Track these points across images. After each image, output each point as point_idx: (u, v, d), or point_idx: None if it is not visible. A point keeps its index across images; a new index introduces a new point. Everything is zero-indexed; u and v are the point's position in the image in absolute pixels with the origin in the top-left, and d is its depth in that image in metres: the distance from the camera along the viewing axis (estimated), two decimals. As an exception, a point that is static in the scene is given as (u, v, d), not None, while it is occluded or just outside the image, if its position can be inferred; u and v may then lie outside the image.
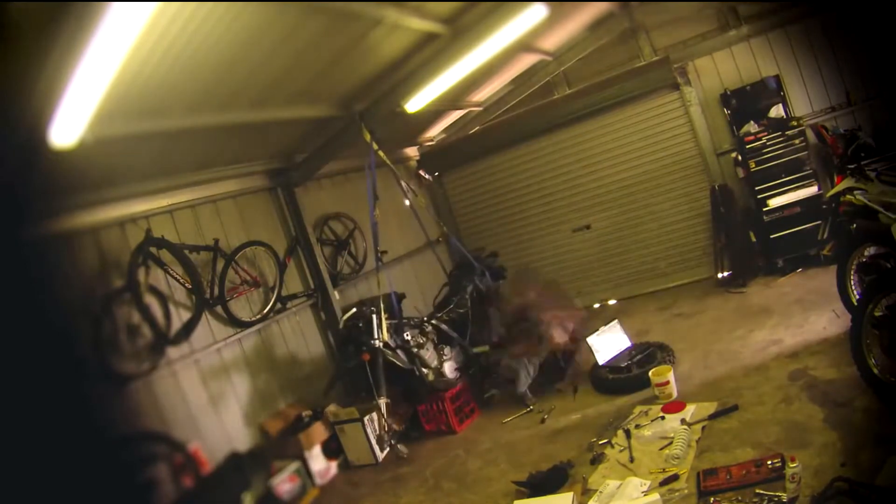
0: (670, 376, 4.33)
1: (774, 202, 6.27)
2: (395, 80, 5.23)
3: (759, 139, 6.32)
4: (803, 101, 6.60)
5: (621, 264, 7.63)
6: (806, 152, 6.19)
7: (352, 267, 6.80)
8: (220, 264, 5.13)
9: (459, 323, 5.85)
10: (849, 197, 4.00)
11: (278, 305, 5.68)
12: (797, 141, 6.19)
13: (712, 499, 3.00)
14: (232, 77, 3.94)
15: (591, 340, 5.14)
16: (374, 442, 5.04)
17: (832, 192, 4.53)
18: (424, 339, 5.42)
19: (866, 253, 4.21)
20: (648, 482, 3.35)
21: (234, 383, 5.15)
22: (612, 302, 7.65)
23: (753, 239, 6.56)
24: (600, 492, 3.44)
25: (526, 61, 7.30)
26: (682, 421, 3.85)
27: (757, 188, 6.38)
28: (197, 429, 4.68)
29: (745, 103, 6.62)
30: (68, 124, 3.02)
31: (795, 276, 6.10)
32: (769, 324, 5.01)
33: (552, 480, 3.70)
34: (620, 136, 7.23)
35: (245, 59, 3.78)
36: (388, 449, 4.90)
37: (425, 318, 5.67)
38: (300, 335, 5.95)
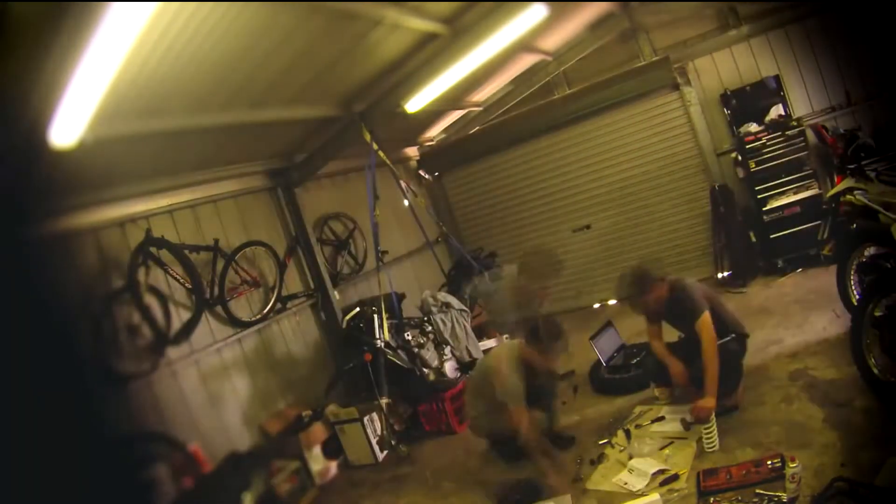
0: (670, 376, 4.33)
1: (774, 202, 6.27)
2: (395, 80, 5.23)
3: (759, 139, 6.32)
4: (803, 101, 6.60)
5: (621, 264, 7.60)
6: (806, 152, 6.19)
7: (352, 267, 6.80)
8: (220, 264, 5.13)
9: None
10: (849, 197, 4.00)
11: (278, 305, 5.68)
12: (797, 141, 6.20)
13: (712, 499, 3.00)
14: (232, 77, 3.94)
15: (593, 341, 5.15)
16: (374, 442, 5.04)
17: (832, 192, 4.53)
18: (425, 339, 5.43)
19: (866, 253, 4.21)
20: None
21: (234, 383, 5.15)
22: (612, 302, 7.65)
23: (753, 239, 6.56)
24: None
25: (526, 61, 7.31)
26: (683, 421, 3.86)
27: (757, 188, 6.38)
28: (197, 429, 4.68)
29: (745, 103, 6.63)
30: (68, 124, 3.02)
31: (795, 276, 6.11)
32: (769, 324, 5.01)
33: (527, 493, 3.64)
34: (620, 136, 7.22)
35: (245, 59, 3.78)
36: (388, 449, 4.90)
37: (425, 318, 5.67)
38: (300, 335, 5.95)
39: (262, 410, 5.23)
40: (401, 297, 5.71)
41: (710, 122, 6.91)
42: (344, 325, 5.39)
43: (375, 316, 5.04)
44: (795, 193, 6.19)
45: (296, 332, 5.91)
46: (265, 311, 5.51)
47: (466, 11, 4.67)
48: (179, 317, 4.81)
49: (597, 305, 7.72)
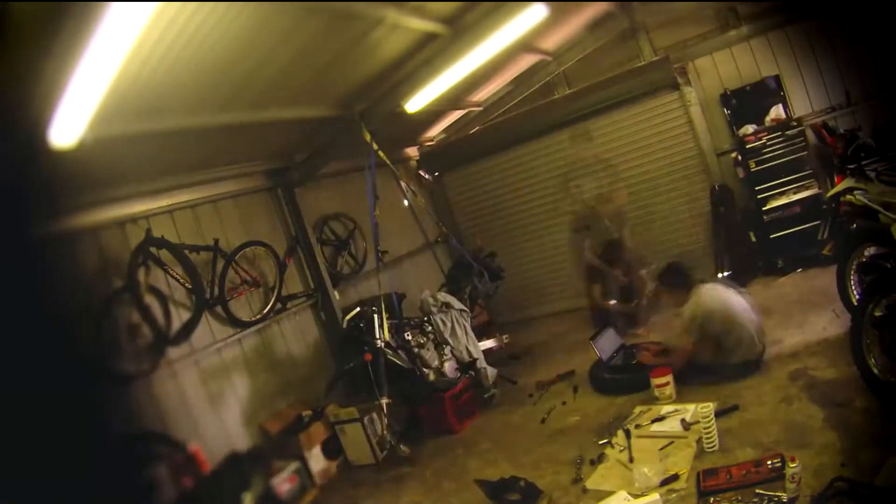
0: (670, 377, 4.34)
1: (774, 202, 6.27)
2: (395, 80, 5.23)
3: (759, 139, 6.32)
4: (803, 101, 6.60)
5: (621, 264, 7.61)
6: (806, 152, 6.20)
7: (352, 267, 6.80)
8: (220, 264, 5.12)
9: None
10: (849, 197, 4.00)
11: (278, 305, 5.68)
12: (797, 141, 6.20)
13: (712, 499, 3.00)
14: (232, 77, 3.94)
15: (593, 341, 5.16)
16: (374, 442, 5.04)
17: (832, 192, 4.54)
18: (425, 338, 5.42)
19: (866, 253, 4.21)
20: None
21: (234, 383, 5.15)
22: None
23: (753, 239, 6.56)
24: None
25: (526, 61, 7.30)
26: (682, 421, 3.86)
27: (757, 188, 6.38)
28: (197, 429, 4.68)
29: (745, 103, 6.63)
30: (68, 124, 3.02)
31: (795, 276, 6.11)
32: (769, 324, 4.99)
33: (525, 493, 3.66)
34: (620, 136, 7.23)
35: (245, 59, 3.78)
36: (388, 449, 4.90)
37: (425, 318, 5.66)
38: (300, 335, 5.95)
39: (262, 410, 5.23)
40: (401, 297, 5.71)
41: (710, 122, 6.91)
42: (344, 325, 5.38)
43: (375, 316, 5.03)
44: (795, 193, 6.19)
45: (296, 332, 5.91)
46: (265, 311, 5.51)
47: (466, 11, 4.67)
48: (179, 317, 4.81)
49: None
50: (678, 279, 4.61)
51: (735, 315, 4.26)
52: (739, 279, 6.36)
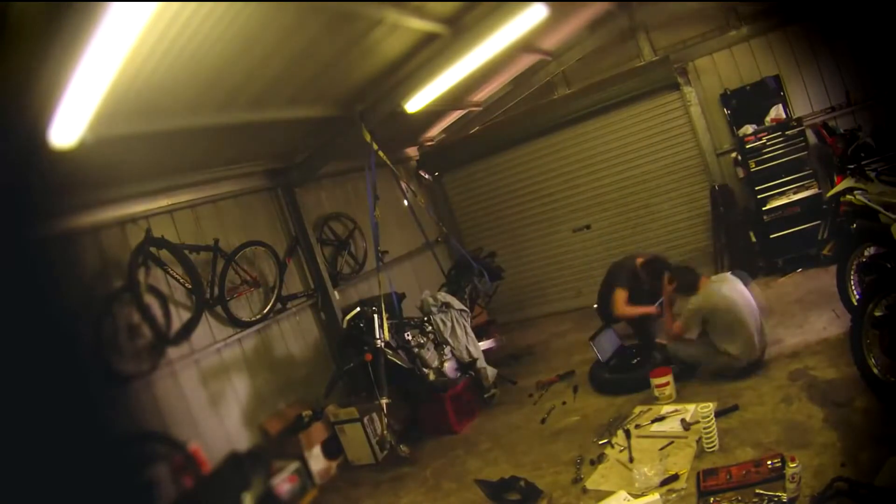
0: (670, 377, 4.34)
1: (774, 202, 6.27)
2: (395, 80, 5.23)
3: (759, 139, 6.32)
4: (803, 101, 6.60)
5: (621, 264, 7.61)
6: (806, 152, 6.20)
7: (352, 267, 6.80)
8: (220, 264, 5.12)
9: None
10: (849, 197, 4.01)
11: (278, 305, 5.68)
12: (797, 141, 6.20)
13: (712, 499, 3.01)
14: (231, 77, 3.94)
15: (592, 341, 5.16)
16: (374, 442, 5.04)
17: (832, 192, 4.54)
18: (425, 338, 5.42)
19: (866, 253, 4.22)
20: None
21: (234, 383, 5.15)
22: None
23: (753, 239, 6.56)
24: None
25: (526, 61, 7.30)
26: (682, 421, 3.86)
27: (757, 188, 6.38)
28: (197, 429, 4.68)
29: (745, 103, 6.63)
30: (68, 124, 3.02)
31: (795, 276, 6.11)
32: (769, 324, 4.99)
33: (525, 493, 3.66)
34: (620, 136, 7.23)
35: (244, 59, 3.78)
36: (388, 449, 4.90)
37: (425, 318, 5.66)
38: (300, 335, 5.95)
39: (262, 410, 5.23)
40: (401, 297, 5.71)
41: (710, 122, 6.91)
42: (344, 325, 5.38)
43: (375, 316, 5.03)
44: (795, 193, 6.19)
45: (296, 332, 5.91)
46: (265, 311, 5.51)
47: (466, 11, 4.66)
48: (179, 317, 4.81)
49: (596, 305, 7.70)
50: (687, 281, 4.55)
51: (740, 315, 4.24)
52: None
